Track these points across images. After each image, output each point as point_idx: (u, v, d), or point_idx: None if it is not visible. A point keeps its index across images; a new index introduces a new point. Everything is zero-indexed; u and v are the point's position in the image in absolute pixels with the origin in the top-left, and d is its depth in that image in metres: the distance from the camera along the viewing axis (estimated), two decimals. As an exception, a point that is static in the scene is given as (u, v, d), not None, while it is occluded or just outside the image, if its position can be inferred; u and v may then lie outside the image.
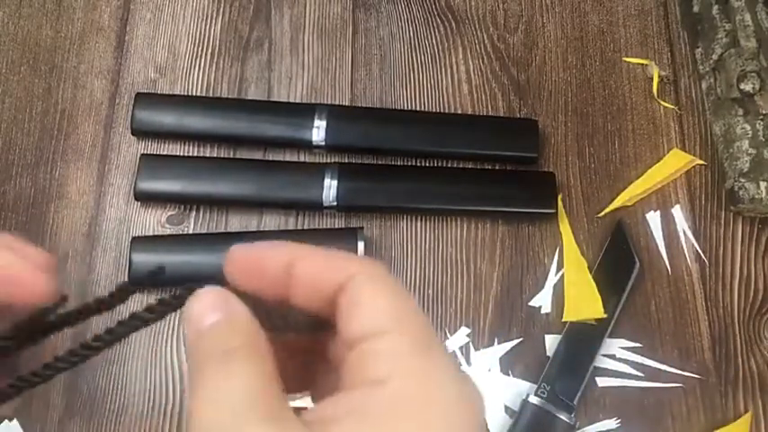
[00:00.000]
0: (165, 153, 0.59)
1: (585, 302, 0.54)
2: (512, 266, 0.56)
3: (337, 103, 0.61)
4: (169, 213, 0.57)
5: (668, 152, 0.59)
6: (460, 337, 0.54)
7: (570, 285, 0.55)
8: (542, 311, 0.55)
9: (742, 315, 0.55)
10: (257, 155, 0.59)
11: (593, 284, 0.54)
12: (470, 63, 0.62)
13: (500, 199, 0.57)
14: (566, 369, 0.52)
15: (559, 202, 0.57)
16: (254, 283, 0.23)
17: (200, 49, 0.62)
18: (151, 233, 0.57)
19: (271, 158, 0.59)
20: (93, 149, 0.59)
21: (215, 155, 0.59)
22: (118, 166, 0.59)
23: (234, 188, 0.56)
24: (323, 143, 0.57)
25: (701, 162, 0.59)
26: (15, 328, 0.23)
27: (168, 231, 0.57)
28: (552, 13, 0.64)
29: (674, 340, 0.54)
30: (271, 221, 0.57)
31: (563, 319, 0.54)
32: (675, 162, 0.59)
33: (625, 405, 0.52)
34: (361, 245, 0.54)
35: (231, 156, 0.59)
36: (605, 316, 0.53)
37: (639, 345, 0.54)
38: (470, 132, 0.59)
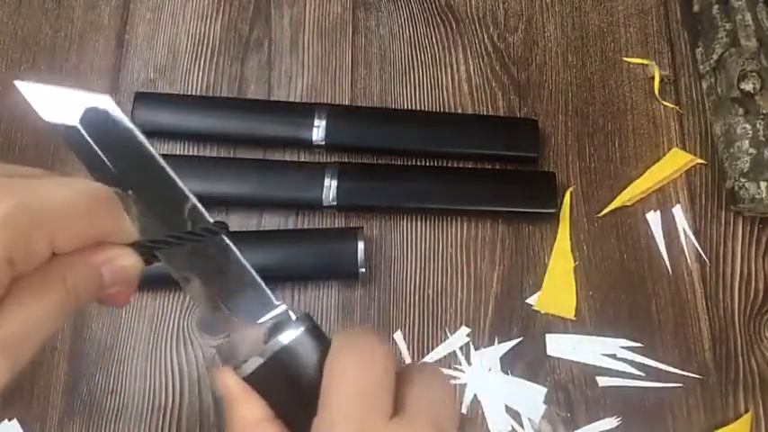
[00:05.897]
0: (164, 153, 0.59)
1: (560, 299, 0.55)
2: (512, 266, 0.56)
3: (337, 102, 0.61)
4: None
5: (668, 152, 0.59)
6: (460, 336, 0.54)
7: (551, 278, 0.55)
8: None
9: (742, 315, 0.55)
10: (257, 154, 0.59)
11: (573, 285, 0.55)
12: (470, 62, 0.62)
13: (500, 199, 0.57)
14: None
15: (566, 199, 0.57)
16: None
17: (199, 48, 0.62)
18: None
19: (270, 158, 0.59)
20: (93, 149, 0.59)
21: (215, 154, 0.59)
22: (117, 166, 0.59)
23: (234, 188, 0.56)
24: (323, 143, 0.57)
25: (702, 161, 0.59)
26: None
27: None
28: (552, 13, 0.64)
29: (674, 340, 0.54)
30: (270, 221, 0.57)
31: (534, 308, 0.55)
32: (676, 162, 0.59)
33: (625, 404, 0.52)
34: (361, 245, 0.53)
35: (231, 155, 0.59)
36: (575, 319, 0.54)
37: (640, 344, 0.54)
38: (470, 132, 0.59)
